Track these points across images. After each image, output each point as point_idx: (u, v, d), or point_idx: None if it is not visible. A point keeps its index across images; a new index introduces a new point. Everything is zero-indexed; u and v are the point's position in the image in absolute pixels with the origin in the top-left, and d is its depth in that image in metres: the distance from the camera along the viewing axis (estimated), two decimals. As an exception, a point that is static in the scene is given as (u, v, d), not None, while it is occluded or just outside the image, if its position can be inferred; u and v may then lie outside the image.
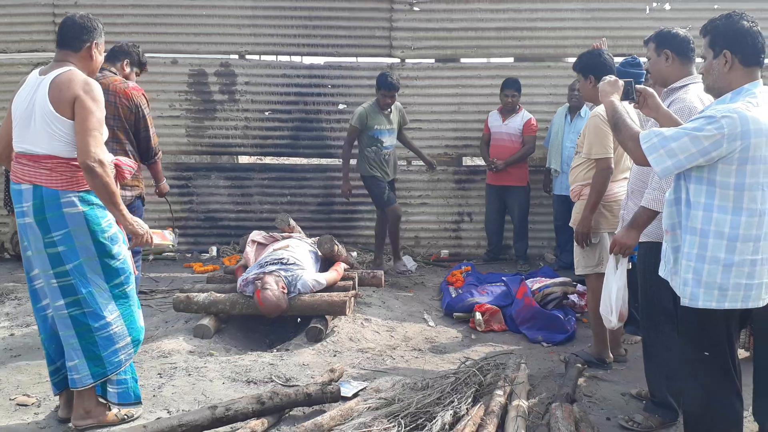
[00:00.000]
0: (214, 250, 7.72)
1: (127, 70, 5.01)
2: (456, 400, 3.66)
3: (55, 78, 3.27)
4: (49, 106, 3.23)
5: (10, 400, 3.91)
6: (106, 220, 3.41)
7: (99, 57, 3.51)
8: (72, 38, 3.41)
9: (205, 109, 7.60)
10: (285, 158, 8.62)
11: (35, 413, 3.75)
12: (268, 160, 8.27)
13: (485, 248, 7.60)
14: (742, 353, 4.78)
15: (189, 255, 7.74)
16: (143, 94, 4.93)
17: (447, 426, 3.43)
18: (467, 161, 8.55)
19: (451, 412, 3.45)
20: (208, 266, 7.15)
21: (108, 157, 3.41)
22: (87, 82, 3.30)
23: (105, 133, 3.41)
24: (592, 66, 4.43)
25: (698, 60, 3.63)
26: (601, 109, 4.35)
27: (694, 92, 3.53)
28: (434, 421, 3.34)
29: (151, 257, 7.55)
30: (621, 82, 3.26)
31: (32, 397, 3.91)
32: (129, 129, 4.88)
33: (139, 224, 3.50)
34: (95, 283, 3.39)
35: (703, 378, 3.03)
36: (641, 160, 2.89)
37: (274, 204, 7.73)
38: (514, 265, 7.30)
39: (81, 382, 3.42)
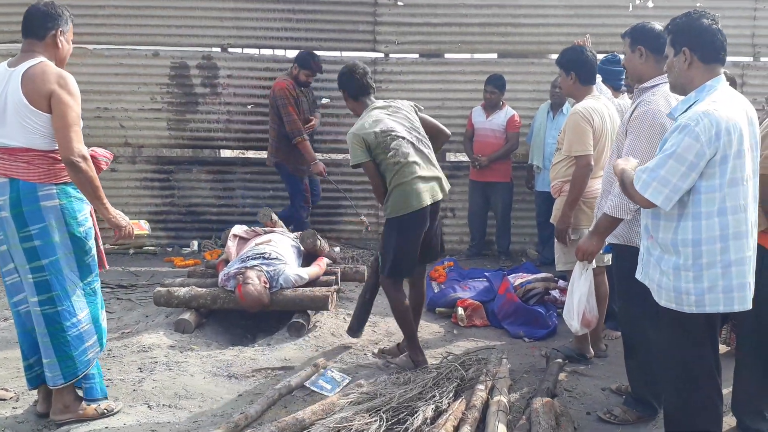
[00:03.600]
0: (195, 244, 7.67)
1: (296, 71, 6.72)
2: (437, 394, 3.67)
3: (26, 70, 3.22)
4: (23, 99, 3.18)
5: (-13, 394, 3.87)
6: (83, 214, 3.39)
7: (66, 45, 3.42)
8: (36, 26, 3.34)
9: (187, 102, 7.53)
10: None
11: (13, 407, 3.71)
12: (250, 153, 8.22)
13: (468, 244, 7.61)
14: (722, 348, 4.84)
15: (170, 249, 7.68)
16: (283, 88, 6.54)
17: (428, 420, 3.45)
18: (451, 157, 8.54)
19: (432, 406, 3.47)
20: (189, 260, 7.10)
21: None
22: (61, 75, 3.25)
23: (81, 123, 3.38)
24: (574, 62, 4.45)
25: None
26: (581, 106, 4.38)
27: (661, 94, 3.53)
28: (416, 415, 3.34)
29: (131, 251, 7.50)
30: (634, 162, 3.17)
31: (10, 392, 3.87)
32: (275, 115, 6.71)
33: (122, 217, 3.48)
34: (70, 279, 3.36)
35: (684, 377, 3.06)
36: (646, 203, 2.88)
37: (257, 198, 7.69)
38: (497, 260, 7.32)
39: (53, 381, 3.40)
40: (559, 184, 4.56)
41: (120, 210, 7.27)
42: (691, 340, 3.03)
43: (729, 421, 3.66)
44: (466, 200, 7.47)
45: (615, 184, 3.62)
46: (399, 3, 7.39)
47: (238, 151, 8.41)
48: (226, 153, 8.60)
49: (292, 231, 6.13)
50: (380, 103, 4.43)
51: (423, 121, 4.48)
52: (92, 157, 3.51)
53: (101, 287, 5.89)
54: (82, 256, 3.39)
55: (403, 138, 4.24)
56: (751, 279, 2.92)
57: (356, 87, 4.40)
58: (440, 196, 4.36)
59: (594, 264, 4.42)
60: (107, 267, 3.91)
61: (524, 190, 7.42)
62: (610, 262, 4.22)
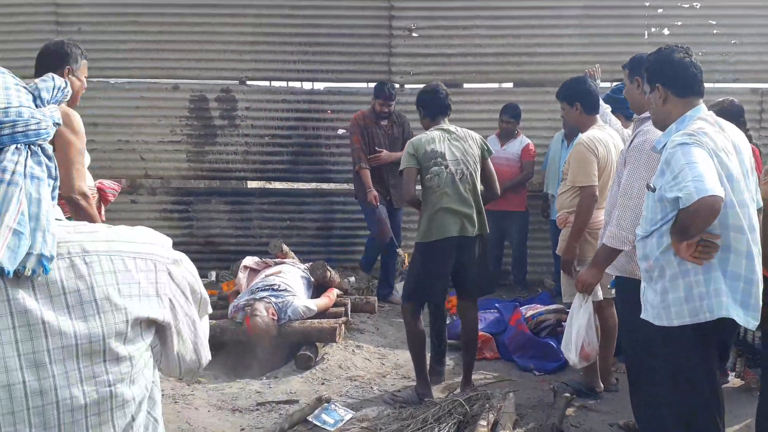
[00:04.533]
0: (213, 274, 7.72)
1: (372, 101, 6.61)
2: (438, 430, 3.63)
3: None
4: None
5: None
6: None
7: (77, 82, 3.49)
8: (46, 66, 3.42)
9: (206, 134, 7.65)
10: (285, 183, 8.65)
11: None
12: (267, 184, 8.29)
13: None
14: (737, 382, 4.74)
15: (189, 279, 7.74)
16: (354, 118, 6.65)
17: (426, 457, 3.42)
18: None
19: (427, 443, 3.42)
20: (209, 291, 7.14)
21: (91, 183, 3.45)
22: (66, 113, 3.32)
23: (87, 159, 3.44)
24: (578, 93, 4.43)
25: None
26: (585, 136, 4.36)
27: None
28: (410, 452, 3.30)
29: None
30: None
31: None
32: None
33: None
34: None
35: (679, 411, 2.99)
36: (711, 205, 2.63)
37: (274, 229, 7.74)
38: (513, 291, 7.25)
39: None
40: (564, 215, 4.52)
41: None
42: (694, 359, 2.96)
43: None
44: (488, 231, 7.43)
45: (614, 214, 3.59)
46: (414, 34, 7.45)
47: (256, 182, 8.44)
48: (252, 184, 8.64)
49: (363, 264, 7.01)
50: (447, 126, 4.54)
51: (483, 166, 4.57)
52: (99, 188, 3.59)
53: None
54: None
55: (447, 167, 4.33)
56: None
57: (436, 107, 4.56)
58: (470, 233, 4.38)
59: (599, 295, 4.39)
60: None
61: (540, 219, 7.36)
62: (600, 297, 4.22)
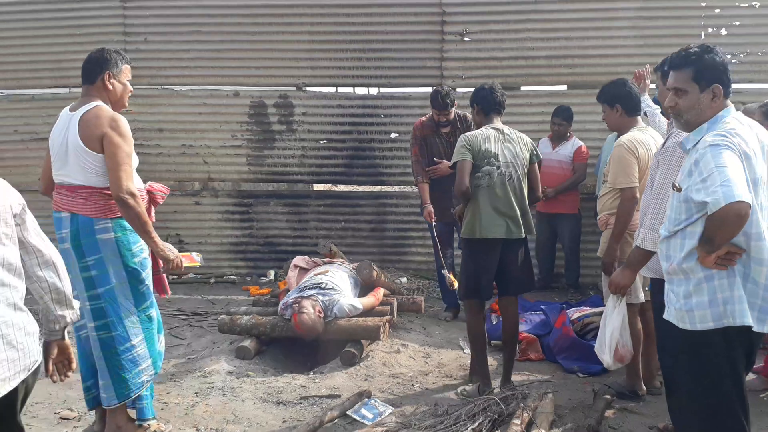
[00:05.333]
0: (272, 273, 7.98)
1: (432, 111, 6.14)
2: (469, 426, 3.71)
3: (83, 115, 3.55)
4: (79, 142, 3.50)
5: (54, 413, 4.22)
6: (138, 246, 3.67)
7: (118, 85, 3.68)
8: (88, 72, 3.67)
9: (265, 139, 7.91)
10: (340, 185, 8.84)
11: (74, 427, 4.04)
12: (323, 187, 8.50)
13: (536, 276, 7.54)
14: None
15: (248, 278, 8.04)
16: (414, 128, 6.26)
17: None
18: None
19: (455, 438, 3.50)
20: (264, 289, 7.40)
21: (140, 185, 3.69)
22: (113, 118, 3.56)
23: (135, 161, 3.68)
24: (618, 96, 4.44)
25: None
26: (626, 138, 4.36)
27: None
28: (438, 446, 3.40)
29: (212, 280, 7.91)
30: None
31: (74, 412, 4.21)
32: None
33: (170, 249, 3.72)
34: (125, 307, 3.64)
35: (704, 413, 2.98)
36: (738, 210, 2.60)
37: (329, 230, 7.94)
38: (566, 293, 7.23)
39: (107, 402, 3.67)
40: (605, 216, 4.53)
41: (203, 241, 7.75)
42: (726, 363, 2.92)
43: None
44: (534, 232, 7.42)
45: (647, 216, 3.60)
46: (466, 38, 7.53)
47: (312, 184, 8.63)
48: (318, 187, 8.81)
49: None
50: (501, 126, 4.66)
51: (530, 170, 4.68)
52: (148, 191, 3.82)
53: (178, 313, 6.35)
54: (136, 285, 3.67)
55: (498, 168, 4.50)
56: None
57: (490, 104, 4.68)
58: (514, 235, 4.51)
59: (641, 297, 4.38)
60: (170, 293, 4.20)
61: (593, 222, 7.22)
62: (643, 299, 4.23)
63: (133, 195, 3.48)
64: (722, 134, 2.80)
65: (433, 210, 5.92)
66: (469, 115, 5.64)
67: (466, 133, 4.68)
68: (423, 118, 6.24)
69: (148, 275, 3.76)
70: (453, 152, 5.13)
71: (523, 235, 4.59)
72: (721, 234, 2.68)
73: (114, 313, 3.61)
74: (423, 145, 6.12)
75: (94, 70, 3.66)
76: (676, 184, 2.93)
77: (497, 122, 4.68)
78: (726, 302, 2.82)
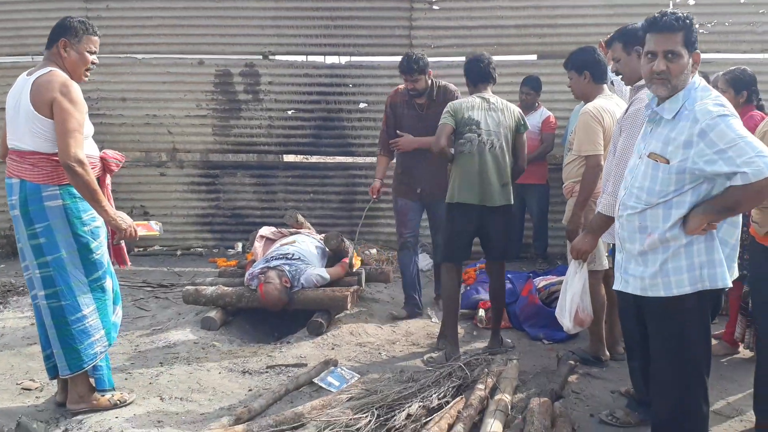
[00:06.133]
0: (239, 245, 7.91)
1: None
2: (434, 393, 3.72)
3: (36, 79, 3.45)
4: (30, 106, 3.41)
5: (16, 384, 4.15)
6: (88, 214, 3.58)
7: (73, 54, 3.58)
8: (49, 38, 3.61)
9: (231, 109, 7.79)
10: (309, 157, 8.77)
11: (36, 397, 3.97)
12: (291, 158, 8.41)
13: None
14: (747, 353, 4.73)
15: (215, 251, 7.97)
16: (388, 96, 5.75)
17: (422, 417, 3.50)
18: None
19: (419, 404, 3.51)
20: (231, 261, 7.34)
21: (94, 152, 3.60)
22: (64, 83, 3.46)
23: (90, 129, 3.59)
24: (587, 62, 4.44)
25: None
26: (591, 105, 4.36)
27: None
28: (402, 411, 3.40)
29: (178, 252, 7.82)
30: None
31: (36, 383, 4.14)
32: None
33: (122, 218, 3.64)
34: (74, 276, 3.56)
35: (678, 383, 3.03)
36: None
37: (298, 201, 7.88)
38: (534, 263, 7.27)
39: (61, 371, 3.62)
40: (570, 184, 4.54)
41: (169, 213, 7.64)
42: (706, 322, 3.02)
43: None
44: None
45: (609, 182, 3.62)
46: (434, 7, 7.45)
47: (280, 155, 8.53)
48: (288, 158, 8.68)
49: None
50: (489, 96, 4.74)
51: (515, 139, 4.75)
52: (102, 158, 3.73)
53: (143, 285, 6.28)
54: (86, 254, 3.59)
55: (480, 135, 4.57)
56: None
57: (476, 74, 4.76)
58: (493, 202, 4.62)
59: (605, 264, 4.42)
60: (129, 264, 4.12)
61: (561, 192, 7.28)
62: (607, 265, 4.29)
63: (80, 162, 3.39)
64: (720, 103, 2.80)
65: (379, 186, 5.61)
66: (451, 86, 5.52)
67: (452, 102, 4.76)
68: (400, 86, 5.69)
69: (100, 245, 3.68)
70: (426, 125, 5.30)
71: (499, 203, 4.65)
72: (752, 203, 2.79)
73: (63, 282, 3.54)
74: (391, 115, 5.63)
75: (53, 37, 3.60)
76: (659, 155, 2.88)
77: (486, 92, 4.76)
78: (703, 266, 2.87)
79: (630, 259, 3.05)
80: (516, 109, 4.79)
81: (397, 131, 5.52)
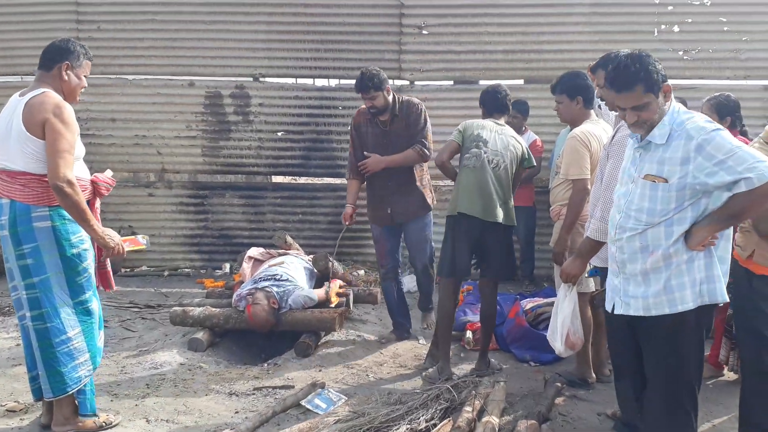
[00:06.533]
0: (227, 266, 7.90)
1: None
2: (421, 415, 3.73)
3: (29, 100, 3.47)
4: (21, 126, 3.42)
5: (1, 406, 4.11)
6: (77, 236, 3.58)
7: (74, 79, 3.63)
8: (46, 59, 3.62)
9: (221, 130, 7.83)
10: (297, 178, 8.80)
11: (21, 419, 3.94)
12: (280, 179, 8.44)
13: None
14: (732, 376, 4.76)
15: (203, 271, 7.95)
16: (353, 118, 5.57)
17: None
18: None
19: (407, 426, 3.51)
20: (219, 282, 7.32)
21: (85, 176, 3.61)
22: (58, 105, 3.48)
23: (81, 150, 3.60)
24: (580, 87, 4.47)
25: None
26: (579, 130, 4.41)
27: None
28: (389, 434, 3.41)
29: (166, 273, 7.80)
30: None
31: (21, 404, 4.11)
32: None
33: (110, 237, 3.64)
34: (60, 298, 3.55)
35: (674, 400, 3.07)
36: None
37: (286, 222, 7.90)
38: (520, 285, 7.31)
39: (45, 394, 3.60)
40: (557, 207, 4.59)
41: (157, 233, 7.62)
42: (700, 341, 3.08)
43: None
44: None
45: (598, 207, 3.67)
46: (424, 32, 7.55)
47: (269, 176, 8.54)
48: (276, 179, 8.70)
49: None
50: (501, 122, 4.90)
51: (517, 170, 4.84)
52: (93, 182, 3.74)
53: (130, 306, 6.25)
54: (73, 276, 3.58)
55: (486, 153, 4.66)
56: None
57: (493, 105, 4.94)
58: (494, 217, 4.65)
59: (591, 286, 4.45)
60: (114, 288, 4.11)
61: (547, 214, 7.31)
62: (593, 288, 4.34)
63: (70, 183, 3.39)
64: (710, 120, 2.95)
65: (351, 211, 5.41)
66: (414, 100, 5.39)
67: (465, 121, 4.88)
68: (363, 106, 5.44)
69: (87, 267, 3.66)
70: (390, 142, 5.26)
71: (501, 220, 4.68)
72: (759, 206, 2.85)
73: (49, 304, 3.53)
74: (356, 136, 5.41)
75: (54, 58, 3.61)
76: (656, 176, 2.94)
77: (500, 120, 4.92)
78: (702, 282, 2.96)
79: (630, 281, 3.09)
80: (525, 145, 4.91)
81: (364, 152, 5.34)
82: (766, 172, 2.72)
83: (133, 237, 4.03)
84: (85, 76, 3.72)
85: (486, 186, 4.64)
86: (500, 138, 4.76)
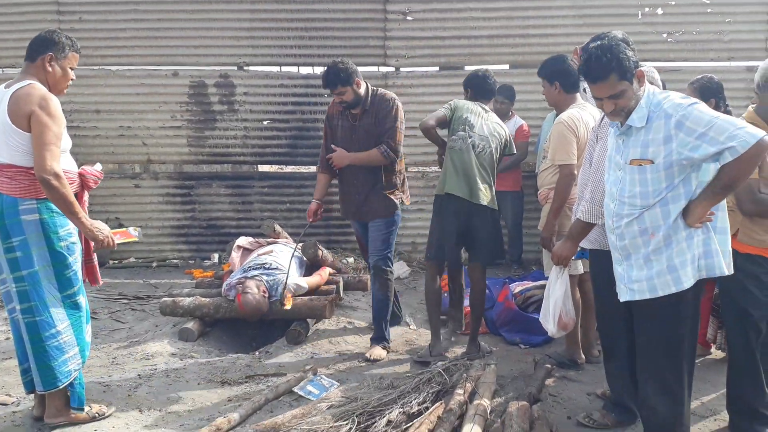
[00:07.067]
0: (215, 256, 7.89)
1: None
2: (414, 399, 3.75)
3: (14, 92, 3.43)
4: (6, 118, 3.39)
5: (-8, 399, 4.10)
6: (65, 229, 3.56)
7: (58, 70, 3.60)
8: (31, 50, 3.58)
9: (206, 120, 7.79)
10: (284, 166, 8.78)
11: (13, 411, 3.92)
12: (267, 168, 8.42)
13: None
14: (719, 354, 4.82)
15: (191, 262, 7.93)
16: (328, 108, 5.26)
17: (402, 423, 3.53)
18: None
19: (399, 410, 3.54)
20: (208, 272, 7.31)
21: (72, 168, 3.59)
22: (44, 97, 3.44)
23: (68, 143, 3.57)
24: (557, 72, 4.51)
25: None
26: (566, 115, 4.43)
27: None
28: (382, 418, 3.43)
29: (154, 264, 7.78)
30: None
31: (12, 397, 4.09)
32: None
33: (99, 229, 3.62)
34: (49, 291, 3.53)
35: (674, 377, 3.11)
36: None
37: (274, 211, 7.89)
38: (508, 269, 7.35)
39: (37, 387, 3.60)
40: (545, 191, 4.61)
41: (144, 224, 7.58)
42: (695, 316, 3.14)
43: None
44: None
45: (587, 189, 3.69)
46: (408, 18, 7.54)
47: (255, 165, 8.51)
48: (263, 168, 8.67)
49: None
50: (487, 107, 4.98)
51: (499, 158, 4.93)
52: (80, 174, 3.71)
53: (119, 298, 6.23)
54: (61, 270, 3.56)
55: (471, 137, 4.74)
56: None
57: (483, 90, 5.00)
58: (479, 199, 4.71)
59: (580, 269, 4.48)
60: (101, 283, 4.09)
61: (535, 199, 7.36)
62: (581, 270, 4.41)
63: (56, 175, 3.36)
64: (685, 96, 2.98)
65: (315, 208, 5.16)
66: (389, 95, 4.99)
67: (458, 99, 4.94)
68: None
69: (75, 261, 3.65)
70: (358, 137, 4.93)
71: (485, 203, 4.74)
72: (747, 173, 2.86)
73: (38, 297, 3.51)
74: (327, 127, 5.14)
75: (38, 50, 3.57)
76: (641, 159, 2.98)
77: (486, 105, 4.99)
78: (701, 257, 3.00)
79: (632, 267, 3.10)
80: (507, 132, 4.98)
81: (332, 145, 5.05)
82: (748, 137, 2.74)
83: (124, 229, 4.01)
84: (71, 69, 3.69)
85: (470, 169, 4.71)
86: (486, 124, 4.82)
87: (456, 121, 4.79)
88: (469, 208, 4.73)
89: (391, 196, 5.00)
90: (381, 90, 5.07)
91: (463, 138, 4.73)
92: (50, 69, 3.58)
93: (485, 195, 4.74)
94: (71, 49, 3.67)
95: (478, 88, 4.99)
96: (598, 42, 3.07)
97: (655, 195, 2.99)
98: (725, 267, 3.05)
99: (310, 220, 5.20)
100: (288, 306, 5.07)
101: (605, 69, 2.94)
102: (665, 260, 3.01)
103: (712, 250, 3.01)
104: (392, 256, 5.13)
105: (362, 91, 4.89)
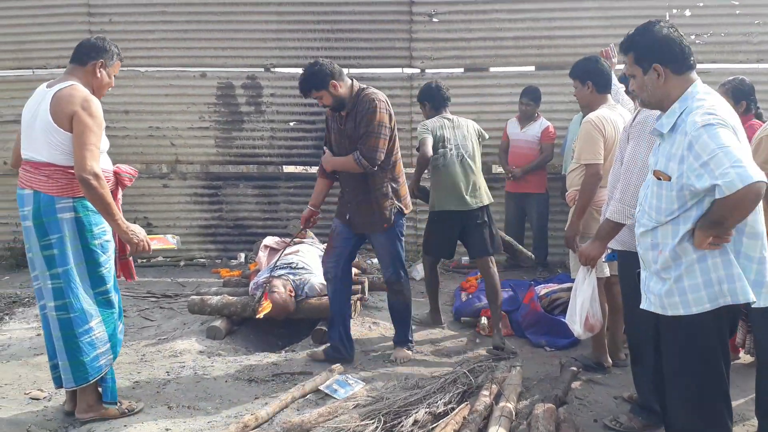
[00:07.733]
0: (242, 256, 7.96)
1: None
2: (440, 399, 3.77)
3: (57, 92, 3.51)
4: (48, 117, 3.47)
5: (24, 394, 4.18)
6: (100, 227, 3.63)
7: (106, 77, 3.72)
8: (82, 54, 3.68)
9: (233, 120, 7.87)
10: (309, 167, 8.85)
11: (45, 406, 4.00)
12: (293, 168, 8.48)
13: (505, 255, 7.63)
14: (748, 359, 4.78)
15: (218, 261, 8.02)
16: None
17: (428, 423, 3.54)
18: (495, 168, 8.53)
19: (425, 410, 3.55)
20: (234, 272, 7.37)
21: (108, 167, 3.66)
22: (86, 98, 3.52)
23: (106, 144, 3.65)
24: (590, 72, 4.49)
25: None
26: (594, 115, 4.42)
27: None
28: (409, 417, 3.44)
29: (182, 263, 7.87)
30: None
31: (44, 392, 4.17)
32: None
33: (134, 233, 3.68)
34: (82, 288, 3.60)
35: (696, 389, 2.94)
36: (757, 190, 2.51)
37: (299, 212, 7.90)
38: (534, 271, 7.33)
39: (66, 383, 3.66)
40: (573, 192, 4.59)
41: (172, 224, 7.67)
42: (711, 342, 2.90)
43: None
44: (503, 212, 7.51)
45: (617, 190, 3.67)
46: (434, 19, 7.55)
47: (282, 166, 8.59)
48: (288, 169, 8.81)
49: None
50: (450, 116, 5.34)
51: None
52: (116, 173, 3.79)
53: (147, 296, 6.32)
54: (94, 267, 3.64)
55: (450, 150, 5.17)
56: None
57: (440, 100, 5.37)
58: (470, 205, 5.15)
59: (606, 272, 4.47)
60: (136, 279, 4.17)
61: (561, 201, 7.37)
62: (610, 273, 4.39)
63: (96, 176, 3.44)
64: (709, 112, 2.67)
65: (308, 215, 5.00)
66: (371, 96, 4.53)
67: (425, 121, 5.27)
68: None
69: (108, 259, 3.71)
70: (345, 140, 4.62)
71: (475, 206, 5.17)
72: (736, 216, 2.61)
73: (72, 294, 3.57)
74: (326, 129, 4.91)
75: (90, 54, 3.67)
76: (662, 173, 2.82)
77: (446, 113, 5.36)
78: (722, 281, 2.76)
79: (651, 277, 2.98)
80: (473, 124, 5.41)
81: (324, 147, 4.89)
82: (736, 179, 2.47)
83: (162, 236, 4.07)
84: (114, 76, 3.82)
85: (456, 182, 5.14)
86: (458, 131, 5.25)
87: (437, 140, 5.15)
88: (461, 216, 5.19)
89: (384, 208, 4.64)
90: (368, 89, 4.61)
91: (444, 155, 5.14)
92: (99, 75, 3.70)
93: (474, 197, 5.17)
94: (118, 57, 3.81)
95: (434, 99, 5.36)
96: (651, 22, 2.90)
97: (667, 213, 2.83)
98: (750, 294, 2.74)
99: (302, 226, 5.06)
100: (260, 316, 4.98)
101: (628, 44, 2.90)
102: (673, 280, 2.84)
103: (734, 275, 2.76)
104: (403, 266, 4.87)
105: (343, 92, 4.53)
